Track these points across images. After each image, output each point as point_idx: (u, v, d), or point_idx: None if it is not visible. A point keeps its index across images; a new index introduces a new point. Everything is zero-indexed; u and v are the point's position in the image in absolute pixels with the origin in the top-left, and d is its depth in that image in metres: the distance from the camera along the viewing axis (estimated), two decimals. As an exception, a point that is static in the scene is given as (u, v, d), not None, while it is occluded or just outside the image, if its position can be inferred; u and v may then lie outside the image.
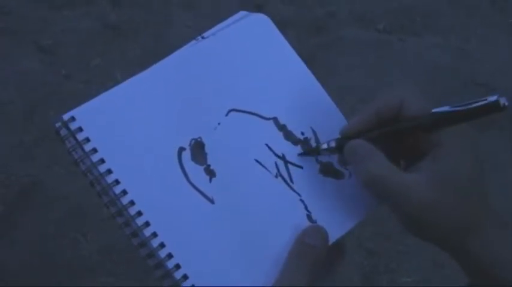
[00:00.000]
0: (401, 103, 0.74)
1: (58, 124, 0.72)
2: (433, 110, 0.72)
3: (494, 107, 0.68)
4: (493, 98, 0.68)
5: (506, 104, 0.68)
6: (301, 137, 0.83)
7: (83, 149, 0.72)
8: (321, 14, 3.57)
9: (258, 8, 3.41)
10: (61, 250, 2.27)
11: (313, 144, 0.83)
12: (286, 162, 0.82)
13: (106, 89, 0.75)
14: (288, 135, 0.83)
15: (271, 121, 0.83)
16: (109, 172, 0.72)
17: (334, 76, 3.04)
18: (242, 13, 0.89)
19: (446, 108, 0.71)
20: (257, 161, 0.80)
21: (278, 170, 0.81)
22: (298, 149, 0.82)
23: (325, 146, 0.79)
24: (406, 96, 0.75)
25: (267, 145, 0.81)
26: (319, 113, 0.86)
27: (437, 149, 0.71)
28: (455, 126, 0.72)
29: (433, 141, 0.72)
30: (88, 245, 2.29)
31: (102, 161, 0.72)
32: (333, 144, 0.78)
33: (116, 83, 0.76)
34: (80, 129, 0.72)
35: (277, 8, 3.54)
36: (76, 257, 2.25)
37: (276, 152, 0.82)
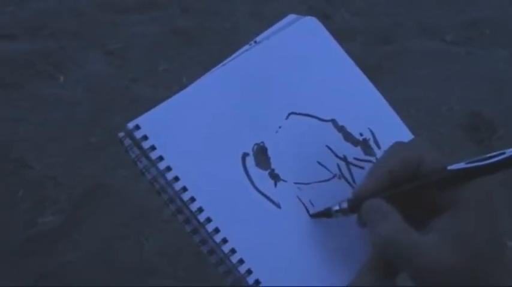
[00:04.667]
0: (417, 162, 0.71)
1: (122, 134, 0.72)
2: (449, 167, 0.68)
3: None
4: (511, 152, 0.65)
5: None
6: (360, 138, 0.83)
7: (148, 158, 0.72)
8: (388, 23, 3.54)
9: (326, 17, 3.41)
10: (123, 252, 2.28)
11: (372, 145, 0.83)
12: (347, 163, 0.81)
13: (172, 93, 0.75)
14: (348, 137, 0.82)
15: (329, 123, 0.82)
16: (176, 179, 0.71)
17: (400, 86, 3.01)
18: (292, 16, 0.89)
19: (462, 164, 0.68)
20: (319, 163, 0.80)
21: (340, 171, 0.80)
22: (359, 149, 0.82)
23: (336, 207, 0.75)
24: (422, 152, 0.72)
25: (327, 146, 0.81)
26: (375, 114, 0.85)
27: (453, 208, 0.68)
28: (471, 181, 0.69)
29: (448, 198, 0.69)
30: (150, 247, 2.30)
31: (169, 168, 0.72)
32: (344, 205, 0.74)
33: (182, 87, 0.76)
34: (145, 137, 0.72)
35: (345, 17, 3.53)
36: (138, 260, 2.26)
37: (337, 153, 0.81)
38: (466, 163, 0.68)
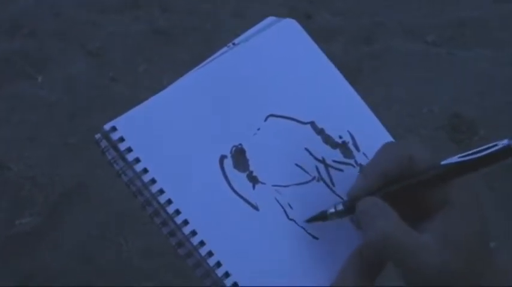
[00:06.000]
0: (410, 159, 0.71)
1: (98, 135, 0.72)
2: (442, 162, 0.69)
3: (506, 153, 0.65)
4: (503, 143, 0.65)
5: None
6: (339, 141, 0.83)
7: (124, 160, 0.71)
8: (369, 24, 3.55)
9: (307, 18, 3.41)
10: (102, 253, 2.28)
11: (352, 147, 0.83)
12: (326, 165, 0.81)
13: (153, 94, 0.75)
14: (327, 139, 0.83)
15: (308, 125, 0.82)
16: (153, 181, 0.71)
17: (381, 87, 3.02)
18: (271, 18, 0.89)
19: (455, 159, 0.68)
20: (298, 165, 0.80)
21: (319, 173, 0.80)
22: (338, 152, 0.82)
23: (332, 210, 0.75)
24: (413, 151, 0.72)
25: (306, 149, 0.81)
26: (354, 116, 0.86)
27: (444, 209, 0.68)
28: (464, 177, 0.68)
29: (438, 199, 0.69)
30: (129, 248, 2.30)
31: (145, 170, 0.71)
32: (340, 207, 0.74)
33: (163, 88, 0.75)
34: (122, 139, 0.71)
35: (326, 17, 3.54)
36: (117, 260, 2.25)
37: (316, 156, 0.81)
38: (460, 157, 0.68)
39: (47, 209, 2.42)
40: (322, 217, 0.76)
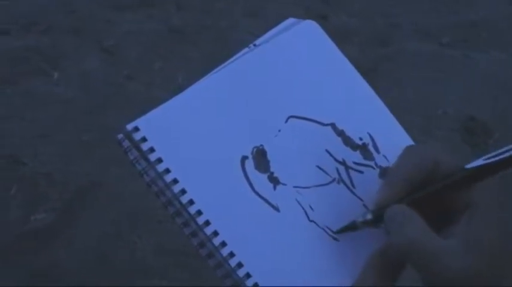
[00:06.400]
0: (434, 163, 0.71)
1: (120, 135, 0.72)
2: (467, 166, 0.68)
3: None
4: None
5: None
6: (360, 143, 0.83)
7: (147, 160, 0.71)
8: (385, 25, 3.54)
9: (323, 19, 3.41)
10: (116, 251, 2.28)
11: (372, 149, 0.83)
12: (347, 167, 0.81)
13: (168, 92, 0.75)
14: (347, 141, 0.82)
15: (329, 127, 0.82)
16: (175, 181, 0.71)
17: (396, 88, 3.01)
18: (291, 20, 0.89)
19: (479, 162, 0.68)
20: (318, 167, 0.79)
21: (339, 175, 0.80)
22: (358, 154, 0.82)
23: (361, 219, 0.74)
24: (437, 155, 0.72)
25: (327, 150, 0.81)
26: (374, 118, 0.85)
27: (470, 211, 0.68)
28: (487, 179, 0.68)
29: (464, 199, 0.69)
30: (143, 246, 2.30)
31: (167, 170, 0.71)
32: (369, 216, 0.74)
33: (178, 86, 0.76)
34: (144, 139, 0.71)
35: (342, 19, 3.53)
36: (131, 258, 2.25)
37: (336, 157, 0.81)
38: (484, 159, 0.68)
39: (62, 206, 2.43)
40: (353, 227, 0.76)
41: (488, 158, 0.68)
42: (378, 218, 0.73)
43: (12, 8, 3.61)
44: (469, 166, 0.69)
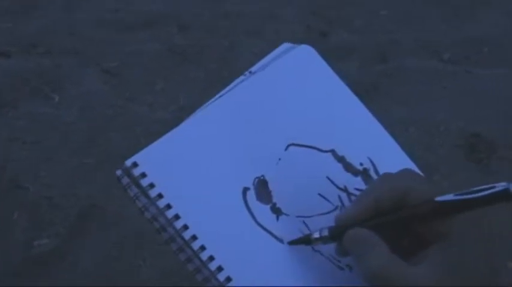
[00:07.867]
0: (404, 192, 0.70)
1: (119, 172, 0.71)
2: (437, 199, 0.68)
3: (504, 196, 0.63)
4: (502, 186, 0.63)
5: None
6: (360, 168, 0.82)
7: (147, 196, 0.71)
8: (385, 42, 3.54)
9: (323, 36, 3.40)
10: (121, 273, 2.27)
11: (373, 174, 0.82)
12: (349, 194, 0.81)
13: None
14: (348, 167, 0.82)
15: (329, 153, 0.82)
16: (176, 217, 0.71)
17: (397, 105, 3.00)
18: (286, 45, 0.89)
19: (450, 196, 0.67)
20: (320, 195, 0.79)
21: (342, 202, 0.80)
22: (359, 179, 0.82)
23: (317, 235, 0.74)
24: (410, 183, 0.71)
25: (328, 177, 0.81)
26: (374, 142, 0.85)
27: (442, 239, 0.68)
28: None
29: (436, 228, 0.69)
30: (147, 269, 2.28)
31: (168, 206, 0.71)
32: (325, 233, 0.73)
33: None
34: (144, 174, 0.71)
35: (342, 35, 3.53)
36: (135, 282, 2.24)
37: (338, 184, 0.81)
38: (455, 195, 0.67)
39: (65, 230, 2.42)
40: (306, 240, 0.75)
41: (460, 195, 0.67)
42: (335, 236, 0.72)
43: (14, 30, 3.61)
44: (439, 198, 0.68)
